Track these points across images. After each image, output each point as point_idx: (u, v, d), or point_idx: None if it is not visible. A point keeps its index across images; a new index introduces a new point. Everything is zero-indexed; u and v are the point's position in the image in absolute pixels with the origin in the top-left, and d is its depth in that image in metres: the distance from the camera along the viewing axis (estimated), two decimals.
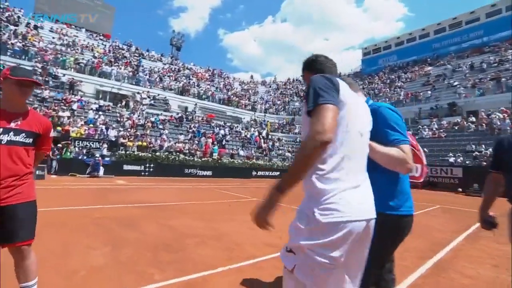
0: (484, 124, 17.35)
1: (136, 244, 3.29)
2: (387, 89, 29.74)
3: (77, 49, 22.99)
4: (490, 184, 1.92)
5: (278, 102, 34.69)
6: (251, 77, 41.64)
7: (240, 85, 36.38)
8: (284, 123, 30.38)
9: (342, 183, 0.97)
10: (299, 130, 29.08)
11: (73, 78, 19.01)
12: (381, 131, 1.32)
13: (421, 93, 24.42)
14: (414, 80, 28.73)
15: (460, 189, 13.19)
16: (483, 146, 15.29)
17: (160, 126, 18.85)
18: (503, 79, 20.29)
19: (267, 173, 19.97)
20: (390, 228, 1.33)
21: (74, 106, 16.21)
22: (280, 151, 24.31)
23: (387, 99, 26.90)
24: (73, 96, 17.51)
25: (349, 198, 0.96)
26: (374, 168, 1.21)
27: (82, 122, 15.02)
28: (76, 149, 13.09)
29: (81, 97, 18.23)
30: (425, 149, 17.20)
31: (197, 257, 2.95)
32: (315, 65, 1.30)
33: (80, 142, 13.56)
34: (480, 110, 19.00)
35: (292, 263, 0.97)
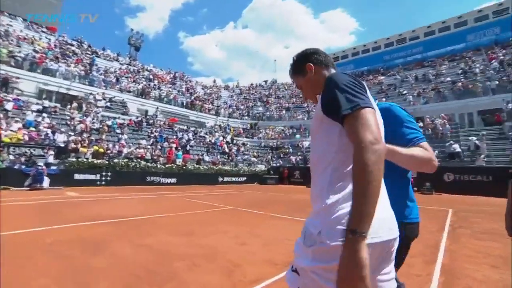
0: (429, 129, 19.26)
1: (110, 274, 2.61)
2: None
3: (11, 40, 19.93)
4: None
5: (242, 107, 34.54)
6: (214, 81, 40.96)
7: (203, 89, 35.46)
8: (248, 127, 30.26)
9: None
10: (264, 135, 29.29)
11: (7, 74, 16.33)
12: (398, 131, 1.26)
13: (376, 100, 26.27)
14: (369, 88, 30.48)
15: (415, 188, 14.25)
16: (432, 149, 16.91)
17: (118, 131, 17.17)
18: (441, 89, 22.99)
19: (233, 178, 19.51)
20: (406, 237, 1.23)
21: (8, 106, 13.83)
22: (246, 156, 24.06)
23: None
24: (6, 94, 14.98)
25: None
26: (386, 175, 0.94)
27: (20, 125, 12.86)
28: (11, 156, 11.08)
29: (18, 96, 15.72)
30: None
31: (196, 286, 2.42)
32: (319, 58, 1.13)
33: (17, 148, 11.55)
34: (425, 117, 21.12)
35: (296, 284, 0.89)
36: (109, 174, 13.06)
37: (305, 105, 34.01)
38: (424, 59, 31.13)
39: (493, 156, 14.61)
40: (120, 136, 16.62)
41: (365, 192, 0.73)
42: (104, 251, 3.29)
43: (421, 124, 20.40)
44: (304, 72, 1.13)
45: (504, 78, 20.08)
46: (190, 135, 22.09)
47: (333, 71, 1.11)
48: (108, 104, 20.26)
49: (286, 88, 41.16)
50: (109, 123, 17.25)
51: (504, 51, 24.60)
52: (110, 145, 15.09)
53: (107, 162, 13.49)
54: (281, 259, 3.21)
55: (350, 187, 0.83)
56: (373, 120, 0.81)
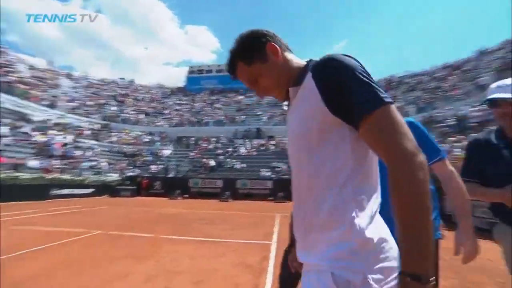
0: (280, 147, 23.37)
1: None
2: (209, 108, 32.98)
3: None
4: (475, 187, 1.45)
5: (91, 103, 28.32)
6: (49, 63, 31.39)
7: (30, 69, 26.21)
8: (99, 128, 25.10)
9: (383, 224, 0.72)
10: (117, 140, 25.09)
11: None
12: (424, 141, 1.25)
13: (237, 117, 29.13)
14: (230, 105, 33.88)
15: (271, 198, 16.62)
16: (281, 163, 20.49)
17: None
18: (283, 115, 28.78)
19: (75, 191, 15.27)
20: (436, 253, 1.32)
21: None
22: (93, 163, 19.63)
23: (210, 117, 29.81)
24: None
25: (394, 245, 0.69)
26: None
27: None
28: None
29: None
30: (243, 164, 20.43)
31: None
32: (277, 38, 0.85)
33: None
34: (276, 136, 25.55)
35: None
36: None
37: (167, 111, 32.52)
38: None
39: None
40: None
41: (421, 220, 0.56)
42: None
43: (272, 142, 24.42)
44: (264, 56, 0.81)
45: None
46: (4, 129, 15.48)
47: (293, 55, 0.86)
48: None
49: (147, 91, 37.87)
50: None
51: None
52: None
53: None
54: None
55: (373, 212, 0.69)
56: (403, 120, 0.63)
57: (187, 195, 17.10)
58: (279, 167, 19.80)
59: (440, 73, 25.75)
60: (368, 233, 0.65)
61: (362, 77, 0.64)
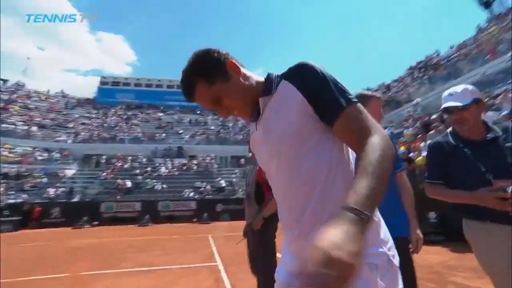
0: (202, 166, 23.23)
1: None
2: (124, 124, 30.06)
3: None
4: (441, 189, 1.51)
5: None
6: None
7: None
8: None
9: None
10: None
11: None
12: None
13: (156, 135, 27.54)
14: (148, 122, 31.79)
15: (195, 219, 16.22)
16: (205, 183, 20.36)
17: None
18: (208, 135, 28.96)
19: None
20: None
21: None
22: None
23: (126, 134, 27.17)
24: None
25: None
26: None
27: None
28: None
29: None
30: (164, 185, 19.42)
31: None
32: (233, 56, 0.85)
33: None
34: (198, 156, 25.31)
35: None
36: None
37: (71, 125, 27.96)
38: (195, 108, 37.83)
39: (241, 190, 20.26)
40: None
41: (387, 179, 0.59)
42: None
43: (195, 161, 24.08)
44: (225, 74, 0.79)
45: (245, 135, 29.35)
46: None
47: (248, 71, 0.86)
48: None
49: (44, 99, 31.71)
50: None
51: None
52: None
53: None
54: None
55: None
56: None
57: (96, 222, 14.88)
58: (202, 187, 19.64)
59: None
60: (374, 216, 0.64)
61: (333, 79, 0.72)
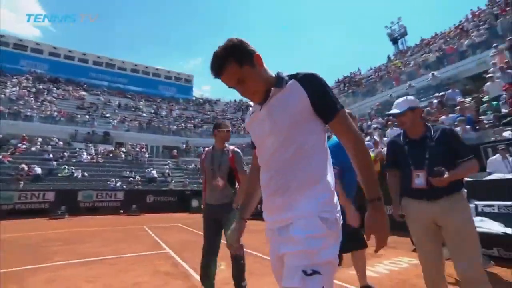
0: (131, 155, 21.49)
1: None
2: (32, 98, 25.15)
3: None
4: (392, 180, 2.06)
5: None
6: None
7: None
8: None
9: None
10: None
11: None
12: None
13: (78, 116, 24.07)
14: (68, 100, 27.44)
15: (122, 211, 15.06)
16: (134, 172, 18.97)
17: None
18: (140, 122, 26.87)
19: None
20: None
21: None
22: None
23: (33, 110, 22.84)
24: None
25: None
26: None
27: None
28: None
29: None
30: (85, 173, 17.35)
31: None
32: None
33: None
34: (127, 143, 23.30)
35: (320, 285, 0.85)
36: None
37: None
38: (126, 91, 34.44)
39: (174, 182, 19.69)
40: None
41: (373, 173, 0.96)
42: None
43: (123, 149, 22.14)
44: (252, 62, 0.98)
45: (180, 126, 28.35)
46: None
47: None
48: None
49: None
50: None
51: (178, 105, 34.73)
52: None
53: None
54: None
55: (332, 174, 1.03)
56: None
57: None
58: (131, 177, 18.29)
59: None
60: (333, 188, 0.99)
61: (331, 90, 0.99)
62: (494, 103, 8.01)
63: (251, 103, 1.13)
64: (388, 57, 25.76)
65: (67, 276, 3.47)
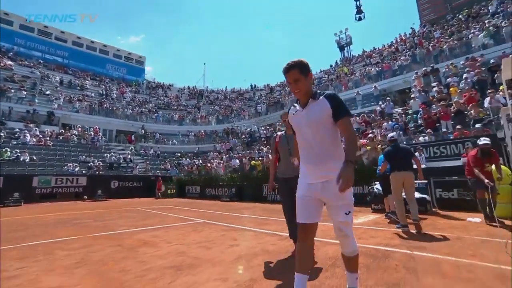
0: (85, 139, 20.15)
1: None
2: None
3: None
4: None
5: None
6: None
7: None
8: None
9: None
10: None
11: None
12: None
13: (12, 90, 20.99)
14: None
15: (86, 197, 14.67)
16: (92, 157, 18.10)
17: None
18: (89, 103, 24.76)
19: None
20: None
21: None
22: None
23: None
24: None
25: None
26: None
27: None
28: None
29: None
30: (34, 157, 15.98)
31: None
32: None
33: None
34: (77, 126, 21.60)
35: (351, 218, 1.70)
36: None
37: None
38: (67, 66, 30.69)
39: (139, 168, 19.46)
40: None
41: (354, 148, 1.60)
42: None
43: (75, 132, 20.61)
44: (307, 76, 1.68)
45: (135, 110, 27.16)
46: None
47: None
48: None
49: None
50: None
51: (129, 88, 32.73)
52: None
53: None
54: None
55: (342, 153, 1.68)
56: None
57: None
58: (91, 162, 17.48)
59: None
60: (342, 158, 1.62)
61: (343, 102, 1.66)
62: (415, 115, 11.19)
63: (295, 104, 1.84)
64: (336, 62, 29.54)
65: (160, 235, 4.39)
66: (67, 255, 3.37)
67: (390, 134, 5.42)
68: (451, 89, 11.26)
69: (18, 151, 15.76)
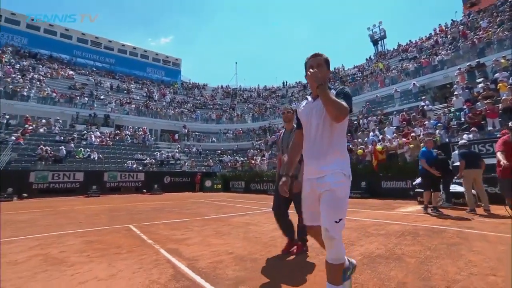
0: (136, 139, 22.49)
1: None
2: (19, 75, 23.96)
3: None
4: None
5: None
6: None
7: None
8: None
9: None
10: None
11: None
12: None
13: (77, 97, 23.92)
14: (56, 79, 26.60)
15: (145, 190, 16.72)
16: (145, 155, 20.29)
17: None
18: (137, 105, 27.28)
19: None
20: None
21: None
22: None
23: (24, 89, 22.11)
24: None
25: None
26: None
27: None
28: None
29: None
30: (100, 155, 18.34)
31: None
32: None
33: None
34: (128, 126, 24.07)
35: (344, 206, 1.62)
36: None
37: None
38: (114, 72, 33.75)
39: (187, 165, 21.39)
40: None
41: (335, 104, 1.50)
42: None
43: (128, 132, 23.02)
44: (328, 68, 1.78)
45: (174, 111, 29.34)
46: None
47: None
48: None
49: None
50: None
51: (168, 89, 35.15)
52: None
53: None
54: None
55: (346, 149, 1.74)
56: None
57: (25, 194, 13.23)
58: (146, 160, 19.61)
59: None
60: (347, 156, 1.70)
61: (350, 95, 1.63)
62: (457, 113, 11.45)
63: (308, 97, 1.84)
64: (370, 58, 29.33)
65: (250, 219, 5.66)
66: (205, 229, 4.65)
67: (462, 141, 6.56)
68: (499, 84, 10.88)
69: (89, 150, 18.26)
